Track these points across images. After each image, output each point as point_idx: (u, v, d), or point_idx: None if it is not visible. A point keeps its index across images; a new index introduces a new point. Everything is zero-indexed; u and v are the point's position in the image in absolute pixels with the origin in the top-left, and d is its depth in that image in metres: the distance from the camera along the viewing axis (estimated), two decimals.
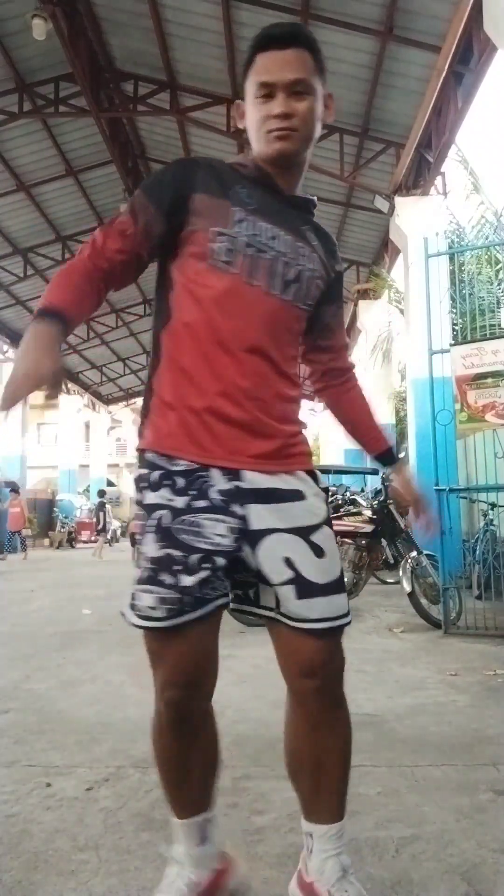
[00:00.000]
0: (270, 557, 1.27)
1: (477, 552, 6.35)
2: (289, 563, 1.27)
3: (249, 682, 3.39)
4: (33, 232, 13.36)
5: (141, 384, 26.00)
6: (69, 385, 22.23)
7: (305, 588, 1.27)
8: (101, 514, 16.60)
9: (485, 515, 6.82)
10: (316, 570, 1.28)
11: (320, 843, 1.32)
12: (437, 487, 4.99)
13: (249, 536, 1.26)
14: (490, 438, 5.14)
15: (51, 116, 9.82)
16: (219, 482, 1.26)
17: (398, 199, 8.89)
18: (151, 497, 1.27)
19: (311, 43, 1.31)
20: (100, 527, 16.57)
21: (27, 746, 2.49)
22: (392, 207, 9.01)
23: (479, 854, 1.65)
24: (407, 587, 5.12)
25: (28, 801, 2.00)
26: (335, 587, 1.30)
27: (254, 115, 1.31)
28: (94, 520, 17.46)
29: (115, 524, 25.76)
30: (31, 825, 1.85)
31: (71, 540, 22.37)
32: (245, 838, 1.74)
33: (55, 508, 22.79)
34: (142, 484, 1.30)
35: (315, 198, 1.46)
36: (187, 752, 1.34)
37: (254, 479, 1.28)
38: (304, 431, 1.40)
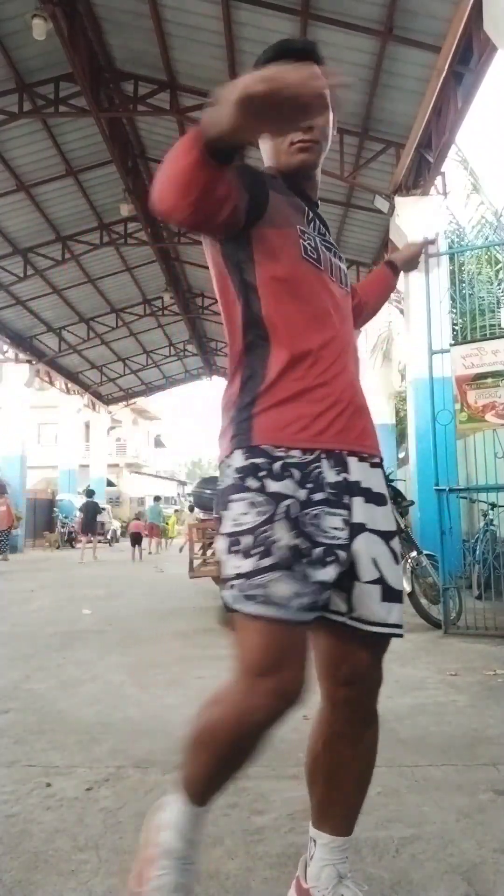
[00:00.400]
0: (364, 553, 1.27)
1: (477, 552, 6.35)
2: (375, 563, 1.28)
3: None
4: (33, 232, 13.35)
5: (141, 384, 26.13)
6: (69, 385, 22.26)
7: (388, 591, 1.28)
8: (91, 514, 15.67)
9: (485, 515, 6.82)
10: (395, 576, 1.30)
11: (322, 851, 1.33)
12: (437, 487, 4.99)
13: (352, 529, 1.27)
14: (490, 438, 5.14)
15: (51, 116, 9.82)
16: (329, 475, 1.27)
17: (398, 199, 8.89)
18: (275, 486, 1.22)
19: (322, 61, 1.34)
20: (90, 528, 15.75)
21: (27, 746, 2.49)
22: (392, 207, 9.01)
23: (479, 854, 1.65)
24: (407, 587, 5.11)
25: (28, 801, 2.00)
26: (403, 596, 1.33)
27: None
28: (80, 519, 16.31)
29: (115, 524, 25.80)
30: (31, 825, 1.85)
31: (71, 540, 22.38)
32: (245, 838, 1.74)
33: (55, 508, 22.79)
34: (260, 473, 1.23)
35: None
36: (255, 754, 1.28)
37: (357, 472, 1.30)
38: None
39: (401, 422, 13.78)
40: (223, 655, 4.15)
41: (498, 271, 9.25)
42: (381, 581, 1.27)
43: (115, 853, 1.68)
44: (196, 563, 6.86)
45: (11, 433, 18.35)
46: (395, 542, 1.34)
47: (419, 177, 8.87)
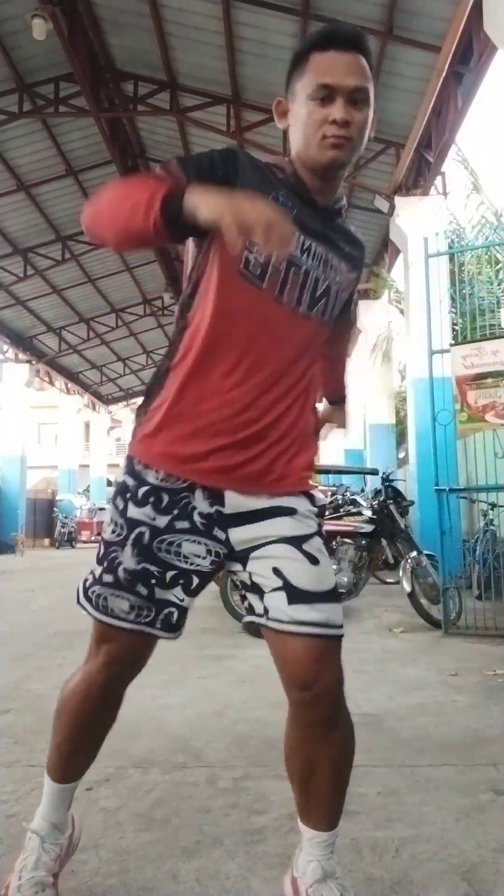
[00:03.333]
0: (259, 570, 1.29)
1: (477, 552, 6.35)
2: (276, 572, 1.27)
3: (250, 682, 3.39)
4: (33, 232, 13.35)
5: (141, 384, 26.12)
6: (69, 385, 22.26)
7: (297, 594, 1.25)
8: None
9: (485, 515, 6.82)
10: (310, 579, 1.26)
11: (308, 846, 1.34)
12: (437, 487, 4.99)
13: (236, 556, 1.30)
14: (490, 438, 5.14)
15: (51, 116, 9.82)
16: (202, 505, 1.29)
17: (398, 199, 8.89)
18: (134, 511, 1.29)
19: (369, 51, 1.25)
20: None
21: (27, 746, 2.49)
22: (392, 207, 9.01)
23: (479, 854, 1.65)
24: (407, 587, 5.12)
25: (28, 801, 2.00)
26: (330, 596, 1.28)
27: (306, 117, 1.22)
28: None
29: None
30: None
31: (71, 540, 22.38)
32: (245, 838, 1.74)
33: (55, 508, 22.79)
34: (127, 494, 1.31)
35: (344, 201, 1.40)
36: (102, 721, 1.44)
37: (236, 503, 1.29)
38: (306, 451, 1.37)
39: (401, 422, 13.77)
40: (222, 655, 4.16)
41: (498, 271, 9.25)
42: (284, 587, 1.26)
43: (115, 853, 1.68)
44: None
45: (11, 433, 18.35)
46: (314, 542, 1.30)
47: (419, 177, 8.87)
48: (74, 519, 23.25)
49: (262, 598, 1.29)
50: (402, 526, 5.60)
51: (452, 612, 4.92)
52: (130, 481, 1.31)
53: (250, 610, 1.35)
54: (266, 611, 1.28)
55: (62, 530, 22.04)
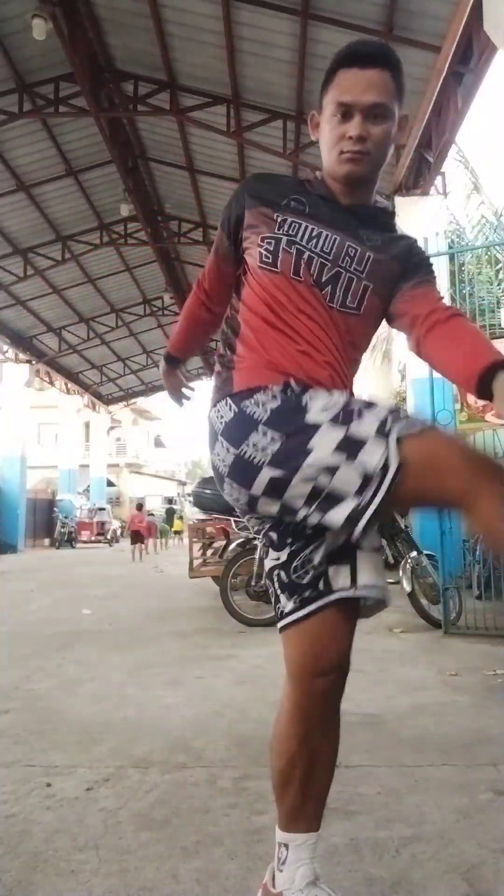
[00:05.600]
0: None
1: (477, 552, 6.35)
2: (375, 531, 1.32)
3: (250, 682, 3.39)
4: (33, 232, 13.35)
5: (141, 384, 26.15)
6: (69, 385, 22.26)
7: (381, 561, 1.34)
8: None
9: None
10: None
11: (296, 852, 1.31)
12: None
13: None
14: (490, 438, 5.14)
15: (51, 116, 9.82)
16: None
17: (398, 199, 8.89)
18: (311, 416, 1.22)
19: (395, 64, 1.30)
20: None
21: (27, 746, 2.49)
22: (392, 207, 9.00)
23: (479, 854, 1.65)
24: (407, 587, 5.12)
25: (28, 801, 2.00)
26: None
27: (328, 133, 1.32)
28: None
29: (115, 524, 25.81)
30: (31, 825, 1.85)
31: (71, 540, 22.40)
32: (245, 838, 1.74)
33: (55, 508, 22.81)
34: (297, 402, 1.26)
35: (389, 205, 1.47)
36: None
37: None
38: None
39: None
40: (222, 655, 4.17)
41: (498, 271, 9.24)
42: (379, 550, 1.31)
43: (115, 853, 1.68)
44: (196, 563, 6.87)
45: (11, 433, 18.35)
46: None
47: (419, 177, 8.87)
48: (74, 519, 23.26)
49: (353, 558, 1.27)
50: (402, 526, 5.60)
51: (452, 612, 4.92)
52: (295, 387, 1.26)
53: (324, 589, 1.27)
54: (354, 578, 1.26)
55: (62, 530, 22.05)
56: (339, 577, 1.27)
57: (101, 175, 12.00)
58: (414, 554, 5.26)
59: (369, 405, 1.18)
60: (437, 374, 5.07)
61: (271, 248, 1.34)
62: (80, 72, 8.55)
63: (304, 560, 1.28)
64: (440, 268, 5.47)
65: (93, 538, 23.96)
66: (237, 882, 1.54)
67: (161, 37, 8.43)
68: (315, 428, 1.16)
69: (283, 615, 1.31)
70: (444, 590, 4.86)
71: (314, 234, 1.33)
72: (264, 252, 1.34)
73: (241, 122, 9.32)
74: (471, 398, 4.99)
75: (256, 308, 1.36)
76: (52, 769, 2.26)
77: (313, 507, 1.15)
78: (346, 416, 1.16)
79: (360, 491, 1.10)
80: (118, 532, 25.28)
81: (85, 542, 23.52)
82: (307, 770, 1.31)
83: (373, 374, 12.91)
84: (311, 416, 1.18)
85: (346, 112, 1.28)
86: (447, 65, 6.83)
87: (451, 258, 6.16)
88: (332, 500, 1.13)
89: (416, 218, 8.61)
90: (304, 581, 1.29)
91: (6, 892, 1.51)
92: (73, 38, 8.19)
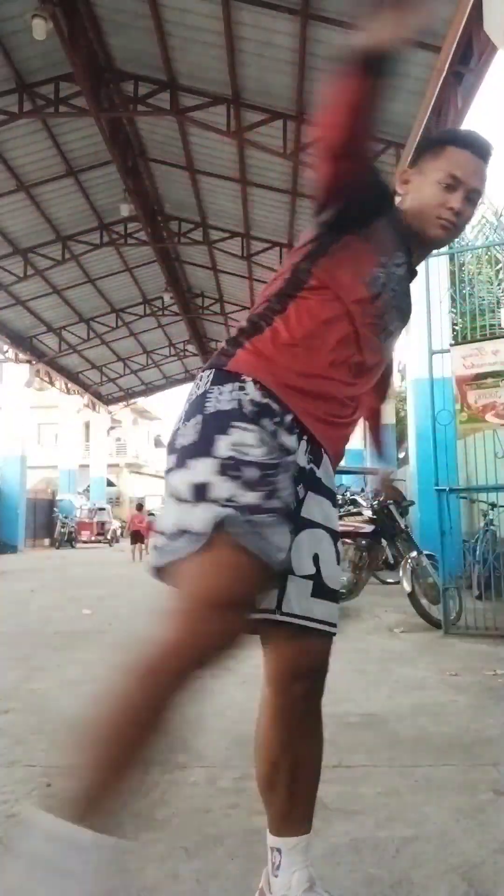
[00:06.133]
0: (303, 548, 1.24)
1: (477, 552, 6.35)
2: (315, 559, 1.26)
3: (250, 682, 3.37)
4: (33, 232, 13.35)
5: (141, 384, 26.13)
6: (69, 385, 22.26)
7: (321, 588, 1.26)
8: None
9: (485, 515, 6.82)
10: (334, 575, 1.29)
11: (290, 856, 1.30)
12: (437, 487, 4.99)
13: (291, 520, 1.24)
14: (490, 438, 5.14)
15: (51, 116, 9.82)
16: (301, 458, 1.25)
17: (399, 199, 8.88)
18: (287, 440, 1.23)
19: (492, 163, 1.45)
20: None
21: (27, 746, 2.49)
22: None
23: (479, 854, 1.65)
24: (407, 587, 5.12)
25: (28, 802, 2.00)
26: (338, 596, 1.32)
27: (429, 196, 1.41)
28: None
29: (115, 524, 25.81)
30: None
31: (71, 540, 22.39)
32: (245, 838, 1.74)
33: (55, 508, 22.81)
34: (275, 419, 1.23)
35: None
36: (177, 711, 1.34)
37: (324, 467, 1.30)
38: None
39: (401, 422, 13.78)
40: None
41: (498, 271, 9.25)
42: (314, 577, 1.25)
43: (115, 853, 1.68)
44: None
45: (11, 433, 18.35)
46: (340, 542, 1.34)
47: None
48: (74, 519, 23.26)
49: (283, 583, 1.23)
50: (402, 526, 5.60)
51: (452, 612, 4.92)
52: (275, 405, 1.22)
53: None
54: (280, 602, 1.24)
55: (62, 530, 22.05)
56: (265, 600, 1.25)
57: (101, 175, 12.01)
58: (414, 554, 5.26)
59: (266, 481, 1.17)
60: (437, 375, 5.11)
61: (385, 281, 1.35)
62: (80, 72, 8.55)
63: None
64: (440, 268, 5.47)
65: (93, 538, 23.96)
66: (237, 882, 1.54)
67: (161, 37, 8.43)
68: (208, 452, 1.17)
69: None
70: (444, 590, 4.86)
71: (395, 273, 1.39)
72: (377, 276, 1.34)
73: (241, 122, 9.32)
74: (471, 398, 4.99)
75: (325, 316, 1.30)
76: (52, 769, 2.26)
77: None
78: (229, 468, 1.15)
79: (175, 537, 1.22)
80: (118, 532, 25.29)
81: (85, 542, 23.52)
82: (291, 774, 1.31)
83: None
84: (219, 442, 1.17)
85: (453, 185, 1.39)
86: (447, 65, 6.82)
87: (451, 258, 6.16)
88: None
89: None
90: None
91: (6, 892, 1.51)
92: (73, 38, 8.19)
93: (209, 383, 1.25)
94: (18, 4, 7.84)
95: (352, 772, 2.16)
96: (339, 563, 1.32)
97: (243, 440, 1.17)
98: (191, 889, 1.52)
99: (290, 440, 1.22)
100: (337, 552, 1.31)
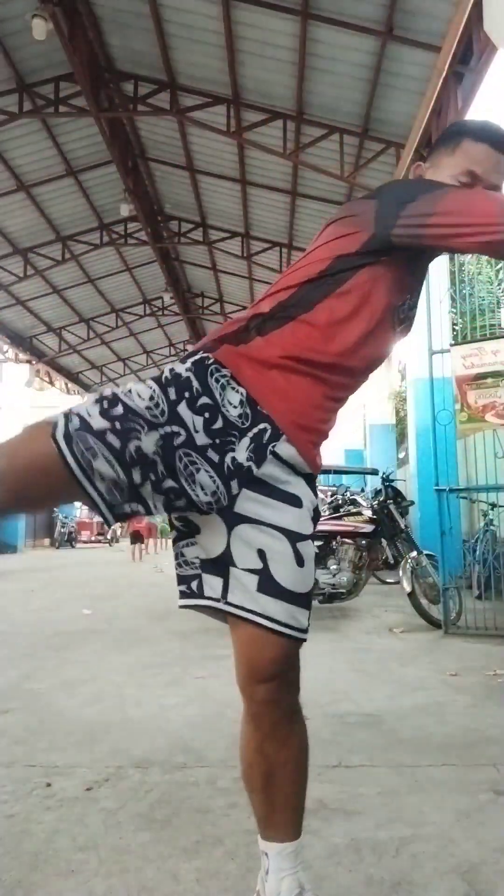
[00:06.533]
0: (243, 543, 1.23)
1: (477, 552, 6.35)
2: (261, 554, 1.23)
3: None
4: (33, 232, 13.34)
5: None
6: (69, 385, 22.25)
7: (270, 585, 1.23)
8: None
9: (485, 515, 6.82)
10: (291, 578, 1.24)
11: (276, 861, 1.28)
12: (437, 487, 4.99)
13: (226, 517, 1.23)
14: (490, 438, 5.14)
15: (51, 116, 9.81)
16: (240, 452, 1.23)
17: None
18: (185, 411, 1.22)
19: None
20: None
21: (27, 746, 2.49)
22: None
23: (479, 854, 1.65)
24: (407, 587, 5.12)
25: (28, 801, 2.00)
26: (304, 601, 1.27)
27: None
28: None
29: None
30: (31, 825, 1.85)
31: (71, 540, 22.39)
32: (245, 838, 1.74)
33: (55, 508, 22.80)
34: (186, 392, 1.23)
35: None
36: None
37: (271, 470, 1.26)
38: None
39: (401, 422, 13.78)
40: (222, 655, 4.16)
41: (498, 271, 9.24)
42: (261, 572, 1.23)
43: (115, 853, 1.68)
44: None
45: (11, 433, 18.34)
46: (307, 545, 1.28)
47: None
48: (74, 519, 23.25)
49: (226, 573, 1.24)
50: (402, 526, 5.61)
51: (452, 612, 4.92)
52: (196, 384, 1.23)
53: (196, 591, 1.29)
54: (225, 591, 1.24)
55: (62, 530, 22.05)
56: (210, 587, 1.27)
57: (101, 175, 11.99)
58: (414, 554, 5.26)
59: (160, 425, 1.20)
60: (437, 375, 5.11)
61: (409, 310, 1.40)
62: (80, 72, 8.54)
63: (178, 551, 1.33)
64: (440, 268, 5.47)
65: (93, 538, 23.96)
66: (237, 882, 1.54)
67: (161, 37, 8.42)
68: (118, 402, 1.22)
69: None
70: (444, 590, 4.86)
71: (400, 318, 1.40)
72: (405, 305, 1.37)
73: (241, 122, 9.31)
74: (471, 398, 4.99)
75: (350, 318, 1.30)
76: (52, 769, 2.26)
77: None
78: (124, 419, 1.20)
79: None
80: (118, 532, 25.28)
81: (85, 542, 23.52)
82: (266, 777, 1.28)
83: (373, 375, 12.93)
84: (134, 397, 1.22)
85: (470, 183, 1.33)
86: (447, 65, 6.82)
87: (452, 258, 6.16)
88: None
89: None
90: (185, 573, 1.32)
91: (6, 892, 1.51)
92: (73, 38, 8.18)
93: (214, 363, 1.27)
94: (18, 4, 7.83)
95: (352, 772, 2.17)
96: (304, 568, 1.26)
97: (139, 390, 1.23)
98: (191, 889, 1.52)
99: (189, 415, 1.21)
100: (297, 553, 1.25)
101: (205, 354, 1.27)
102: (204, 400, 1.22)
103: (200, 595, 1.29)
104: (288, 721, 1.29)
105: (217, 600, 1.26)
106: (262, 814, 1.31)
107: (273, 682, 1.25)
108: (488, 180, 1.33)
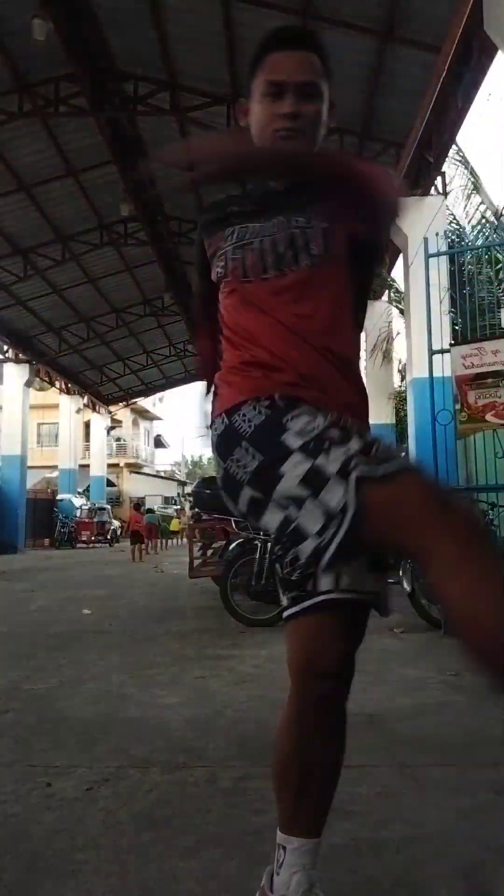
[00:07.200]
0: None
1: None
2: None
3: (250, 682, 3.39)
4: (33, 232, 13.35)
5: (141, 384, 26.13)
6: (69, 385, 22.25)
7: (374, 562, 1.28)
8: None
9: (485, 515, 6.82)
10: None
11: (293, 856, 1.28)
12: None
13: None
14: (490, 438, 5.14)
15: (51, 116, 9.82)
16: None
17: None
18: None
19: (321, 47, 1.30)
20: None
21: (27, 746, 2.49)
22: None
23: (479, 854, 1.65)
24: (407, 587, 5.12)
25: (28, 801, 2.00)
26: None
27: (260, 114, 1.30)
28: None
29: (114, 524, 25.81)
30: (31, 825, 1.85)
31: (71, 540, 22.39)
32: (245, 838, 1.74)
33: (55, 508, 22.80)
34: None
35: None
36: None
37: None
38: None
39: (401, 422, 13.77)
40: (222, 655, 4.16)
41: (498, 271, 9.24)
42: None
43: (115, 853, 1.68)
44: (196, 562, 6.87)
45: (11, 433, 18.36)
46: None
47: (419, 177, 8.86)
48: (74, 519, 23.25)
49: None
50: None
51: None
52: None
53: (307, 583, 1.24)
54: (337, 581, 1.23)
55: (62, 530, 22.06)
56: (325, 579, 1.24)
57: (101, 175, 12.00)
58: None
59: (344, 437, 1.09)
60: (437, 374, 5.11)
61: (224, 263, 1.31)
62: (80, 72, 8.55)
63: (292, 557, 1.23)
64: (440, 268, 5.47)
65: (93, 538, 23.95)
66: (237, 882, 1.54)
67: (161, 37, 8.43)
68: (288, 452, 1.10)
69: (283, 609, 1.31)
70: None
71: (259, 226, 1.28)
72: (219, 269, 1.31)
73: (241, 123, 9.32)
74: (471, 398, 4.98)
75: (225, 328, 1.32)
76: (52, 769, 2.26)
77: (285, 534, 1.12)
78: (316, 446, 1.09)
79: (322, 531, 1.06)
80: (118, 532, 25.29)
81: (85, 542, 23.52)
82: (302, 773, 1.28)
83: (373, 375, 12.95)
84: (288, 439, 1.12)
85: (277, 92, 1.27)
86: (447, 65, 6.83)
87: (451, 258, 6.16)
88: (299, 533, 1.09)
89: (416, 218, 8.61)
90: (294, 578, 1.26)
91: (6, 892, 1.51)
92: (73, 38, 8.19)
93: (228, 419, 1.23)
94: (18, 4, 7.84)
95: (352, 772, 2.16)
96: None
97: (303, 421, 1.13)
98: (191, 889, 1.52)
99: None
100: None
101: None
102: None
103: (316, 592, 1.25)
104: (333, 721, 1.30)
105: (333, 592, 1.23)
106: (289, 807, 1.31)
107: (329, 680, 1.27)
108: (294, 79, 1.26)
